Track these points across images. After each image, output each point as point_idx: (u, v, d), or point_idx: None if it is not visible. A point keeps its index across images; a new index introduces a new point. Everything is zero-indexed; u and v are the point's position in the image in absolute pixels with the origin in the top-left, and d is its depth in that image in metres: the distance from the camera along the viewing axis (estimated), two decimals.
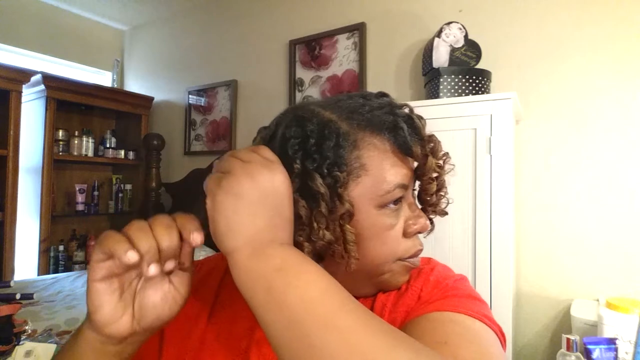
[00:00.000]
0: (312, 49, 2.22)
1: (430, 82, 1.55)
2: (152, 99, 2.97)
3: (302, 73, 2.26)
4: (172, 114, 2.92)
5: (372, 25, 2.02)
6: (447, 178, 0.49)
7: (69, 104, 2.58)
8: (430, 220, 0.50)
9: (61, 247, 2.58)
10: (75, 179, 2.83)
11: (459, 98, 1.41)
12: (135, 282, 0.39)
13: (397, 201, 0.45)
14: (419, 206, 0.50)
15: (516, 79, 1.62)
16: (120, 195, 2.89)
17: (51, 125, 2.43)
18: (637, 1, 1.42)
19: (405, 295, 0.47)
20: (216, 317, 0.50)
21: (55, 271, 2.53)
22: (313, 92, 2.21)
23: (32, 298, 1.15)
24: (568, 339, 0.97)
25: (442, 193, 0.49)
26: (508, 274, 1.28)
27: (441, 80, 1.48)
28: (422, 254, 0.51)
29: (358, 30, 2.04)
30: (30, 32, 2.71)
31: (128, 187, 2.92)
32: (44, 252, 2.41)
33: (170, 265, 0.38)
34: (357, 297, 0.38)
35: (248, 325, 0.48)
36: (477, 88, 1.47)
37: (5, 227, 2.21)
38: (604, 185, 1.46)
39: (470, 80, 1.47)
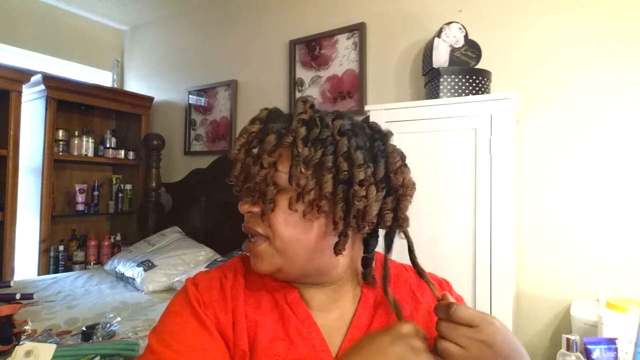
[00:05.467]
0: (312, 49, 2.22)
1: (430, 82, 1.55)
2: (152, 99, 2.97)
3: (302, 73, 2.26)
4: (172, 114, 2.92)
5: (372, 25, 2.02)
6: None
7: (69, 104, 2.58)
8: None
9: (61, 247, 2.58)
10: (75, 179, 2.83)
11: (459, 98, 1.41)
12: None
13: None
14: None
15: (516, 79, 1.62)
16: (120, 195, 2.88)
17: (51, 125, 2.43)
18: None
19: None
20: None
21: (55, 271, 2.53)
22: (313, 92, 2.21)
23: (32, 298, 1.15)
24: (568, 339, 0.97)
25: None
26: (508, 274, 1.28)
27: (441, 80, 1.48)
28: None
29: (358, 30, 2.04)
30: (30, 32, 2.71)
31: (128, 187, 2.92)
32: (44, 252, 2.41)
33: None
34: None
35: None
36: (477, 88, 1.47)
37: (5, 227, 2.21)
38: (604, 185, 1.46)
39: (470, 80, 1.47)
